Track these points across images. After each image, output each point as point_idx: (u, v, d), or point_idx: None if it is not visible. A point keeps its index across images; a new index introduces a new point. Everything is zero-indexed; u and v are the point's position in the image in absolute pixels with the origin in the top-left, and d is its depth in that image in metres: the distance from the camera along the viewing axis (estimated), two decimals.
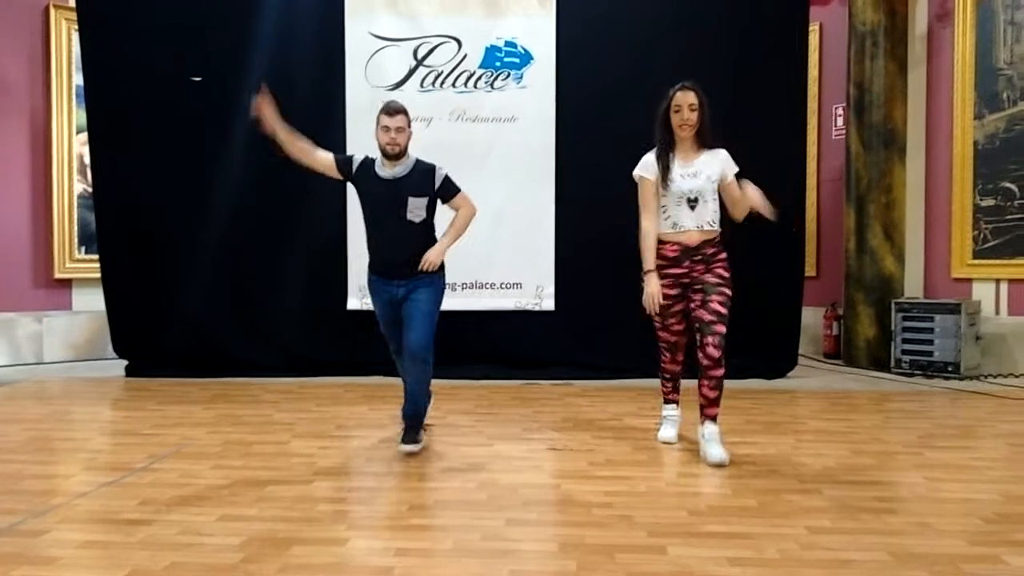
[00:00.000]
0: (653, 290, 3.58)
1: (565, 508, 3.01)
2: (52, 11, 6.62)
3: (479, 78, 6.08)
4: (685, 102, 3.55)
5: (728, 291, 3.55)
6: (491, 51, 6.08)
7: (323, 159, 3.70)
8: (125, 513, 2.88)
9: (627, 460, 3.63)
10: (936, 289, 6.41)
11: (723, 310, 3.51)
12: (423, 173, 3.65)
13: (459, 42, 6.07)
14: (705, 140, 3.61)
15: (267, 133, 3.58)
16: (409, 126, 3.64)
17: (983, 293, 6.15)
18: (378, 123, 3.61)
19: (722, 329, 3.49)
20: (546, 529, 2.80)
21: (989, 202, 6.09)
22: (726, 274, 3.59)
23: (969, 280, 6.24)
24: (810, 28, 6.30)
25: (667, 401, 3.98)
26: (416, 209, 3.60)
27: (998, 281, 6.10)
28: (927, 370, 6.01)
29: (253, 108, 3.54)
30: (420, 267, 3.57)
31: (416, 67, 6.08)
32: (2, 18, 6.46)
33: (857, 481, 3.28)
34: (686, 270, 3.60)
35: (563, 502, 3.08)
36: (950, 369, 5.92)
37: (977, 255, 6.16)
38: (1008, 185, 5.99)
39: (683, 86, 3.57)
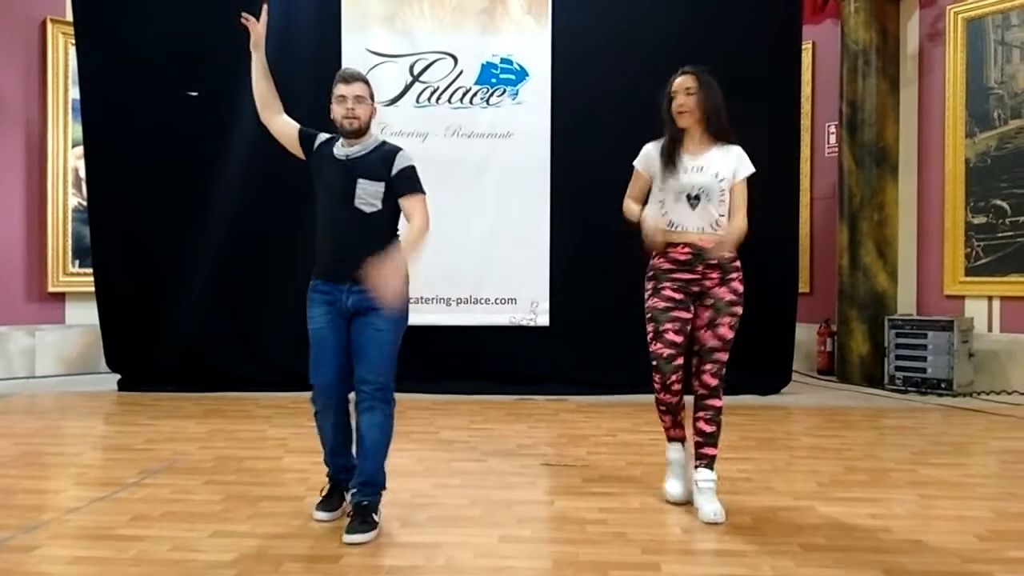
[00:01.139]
0: (649, 222, 3.11)
1: (559, 525, 3.00)
2: (49, 25, 6.63)
3: (475, 94, 6.11)
4: (682, 87, 3.16)
5: (740, 310, 3.16)
6: (487, 67, 6.11)
7: (287, 124, 3.13)
8: (117, 529, 2.87)
9: (621, 476, 3.63)
10: (929, 306, 6.44)
11: (730, 335, 3.15)
12: (383, 155, 2.98)
13: (455, 58, 6.10)
14: (716, 132, 3.20)
15: (251, 47, 3.13)
16: (372, 99, 3.04)
17: (975, 310, 6.18)
18: (332, 95, 3.01)
19: (724, 357, 3.15)
20: (540, 546, 2.79)
21: (981, 220, 6.13)
22: (741, 288, 3.17)
23: (962, 297, 6.27)
24: (803, 47, 6.34)
25: (670, 439, 3.33)
26: (367, 196, 2.91)
27: (990, 298, 6.13)
28: (920, 387, 6.02)
29: (247, 18, 3.10)
30: (362, 278, 2.79)
31: (412, 83, 6.11)
32: None
33: (851, 498, 3.29)
34: (698, 276, 3.13)
35: (557, 519, 3.08)
36: (943, 386, 5.93)
37: (969, 272, 6.20)
38: (999, 203, 6.04)
39: (682, 70, 3.20)
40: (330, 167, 3.00)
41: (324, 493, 3.07)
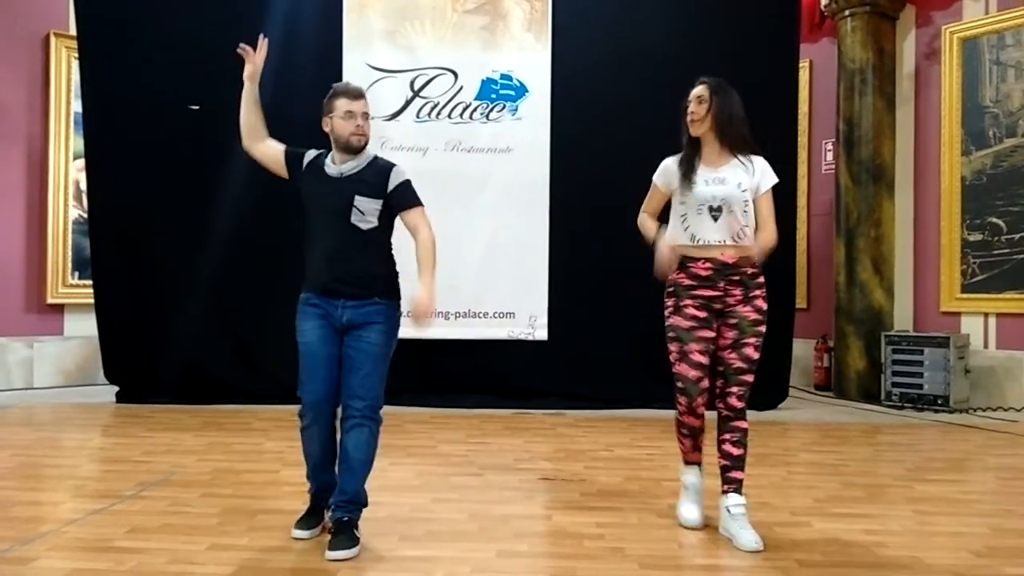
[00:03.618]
0: (663, 251, 3.02)
1: (556, 539, 3.01)
2: (53, 39, 6.68)
3: (475, 110, 6.15)
4: (694, 95, 3.06)
5: (764, 328, 3.01)
6: (487, 83, 6.16)
7: (272, 148, 3.09)
8: (114, 541, 2.86)
9: (619, 491, 3.63)
10: (925, 322, 6.46)
11: (756, 356, 3.00)
12: (378, 171, 2.95)
13: (455, 74, 6.15)
14: (733, 143, 3.05)
15: (244, 77, 3.18)
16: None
17: (972, 327, 6.21)
18: (334, 110, 2.93)
19: (750, 379, 3.00)
20: (537, 561, 2.79)
21: (977, 237, 6.16)
22: (765, 305, 3.03)
23: (958, 314, 6.30)
24: (800, 65, 6.40)
25: (687, 462, 3.19)
26: (365, 213, 2.88)
27: (986, 315, 6.16)
28: (917, 403, 6.03)
29: (244, 49, 3.17)
30: (413, 316, 2.87)
31: (413, 98, 6.15)
32: (2, 45, 6.52)
33: (847, 514, 3.29)
34: (721, 293, 2.99)
35: (554, 533, 3.08)
36: (940, 402, 5.95)
37: (965, 289, 6.22)
38: (995, 220, 6.08)
39: (699, 80, 3.10)
40: (324, 184, 2.94)
41: (305, 511, 3.00)
